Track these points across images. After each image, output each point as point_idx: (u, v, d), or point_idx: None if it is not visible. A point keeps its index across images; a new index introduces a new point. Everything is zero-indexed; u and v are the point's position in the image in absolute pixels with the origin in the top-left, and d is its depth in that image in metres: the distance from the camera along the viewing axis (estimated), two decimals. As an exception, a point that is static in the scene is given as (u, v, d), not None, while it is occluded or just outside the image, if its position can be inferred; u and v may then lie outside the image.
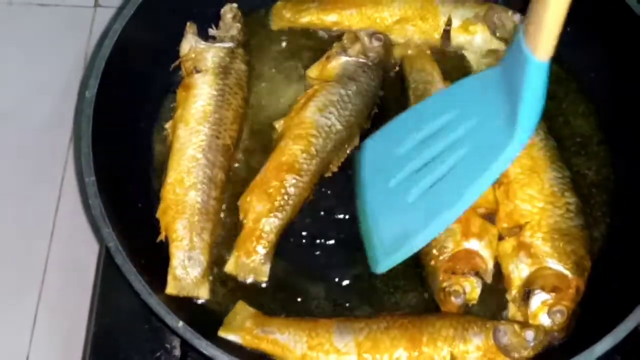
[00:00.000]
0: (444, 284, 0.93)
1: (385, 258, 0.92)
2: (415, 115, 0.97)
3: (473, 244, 0.94)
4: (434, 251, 0.94)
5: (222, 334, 0.91)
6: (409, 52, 1.11)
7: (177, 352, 0.94)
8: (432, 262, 0.94)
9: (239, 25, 1.09)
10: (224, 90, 1.03)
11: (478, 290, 0.93)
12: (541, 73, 0.79)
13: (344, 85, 1.04)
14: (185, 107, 1.02)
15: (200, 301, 0.95)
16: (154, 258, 0.95)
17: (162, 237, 0.96)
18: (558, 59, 1.11)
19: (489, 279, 0.94)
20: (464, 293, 0.92)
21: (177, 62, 1.07)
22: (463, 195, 0.87)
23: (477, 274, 0.93)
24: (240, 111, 1.04)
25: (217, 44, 1.06)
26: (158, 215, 0.97)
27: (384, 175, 0.95)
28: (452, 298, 0.92)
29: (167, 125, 1.04)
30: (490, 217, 0.97)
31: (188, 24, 1.08)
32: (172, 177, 0.98)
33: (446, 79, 1.07)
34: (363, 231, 0.97)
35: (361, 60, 1.07)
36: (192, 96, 1.02)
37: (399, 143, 0.95)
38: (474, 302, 0.94)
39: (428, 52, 1.11)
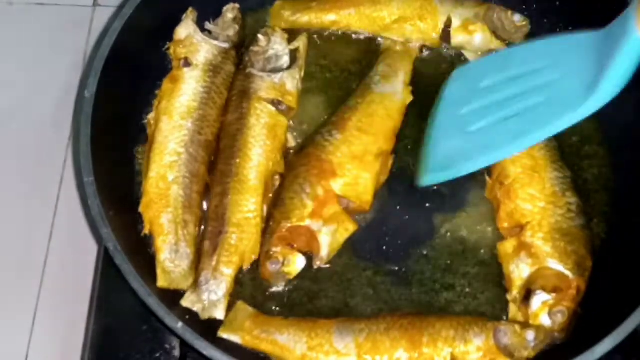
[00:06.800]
0: (272, 248, 0.94)
1: (429, 174, 0.97)
2: (504, 58, 1.03)
3: (315, 226, 0.95)
4: (278, 215, 0.96)
5: (222, 334, 0.91)
6: (398, 47, 1.12)
7: (177, 352, 0.94)
8: (272, 225, 0.96)
9: (237, 27, 1.09)
10: (211, 88, 1.03)
11: (297, 269, 0.94)
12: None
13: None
14: (170, 100, 1.02)
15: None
16: (153, 258, 0.95)
17: (146, 230, 0.96)
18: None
19: (315, 265, 0.96)
20: (282, 264, 0.93)
21: (169, 45, 1.06)
22: (521, 138, 0.92)
23: (308, 255, 0.95)
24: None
25: (215, 42, 1.06)
26: (141, 209, 0.97)
27: (459, 102, 1.00)
28: (268, 263, 0.93)
29: (150, 117, 1.04)
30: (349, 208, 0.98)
31: (190, 9, 1.08)
32: (154, 170, 0.98)
33: (447, 79, 1.07)
34: (423, 147, 1.00)
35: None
36: (178, 90, 1.03)
37: (481, 78, 1.00)
38: (290, 277, 0.95)
39: (414, 54, 1.11)
